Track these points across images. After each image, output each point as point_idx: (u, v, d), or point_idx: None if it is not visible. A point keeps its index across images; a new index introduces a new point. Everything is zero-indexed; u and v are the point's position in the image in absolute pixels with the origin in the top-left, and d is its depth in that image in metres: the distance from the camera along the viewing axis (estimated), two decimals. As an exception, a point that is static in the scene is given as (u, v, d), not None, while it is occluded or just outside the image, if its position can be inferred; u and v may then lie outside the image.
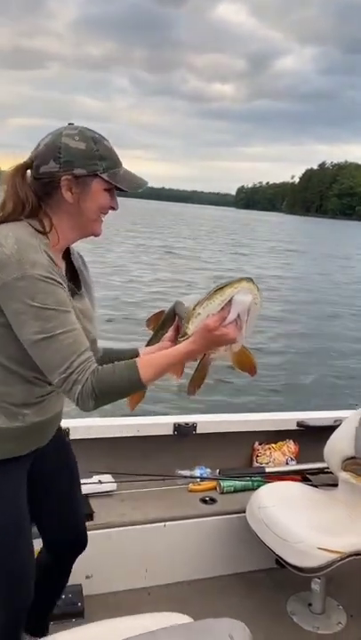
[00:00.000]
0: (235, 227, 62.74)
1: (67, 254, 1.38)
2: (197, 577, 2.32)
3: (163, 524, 2.25)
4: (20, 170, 1.25)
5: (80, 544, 1.72)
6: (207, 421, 2.56)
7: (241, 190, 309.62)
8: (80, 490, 1.76)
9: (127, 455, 2.40)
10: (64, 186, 1.23)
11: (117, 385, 1.19)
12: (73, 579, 2.10)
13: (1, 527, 1.38)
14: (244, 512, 2.25)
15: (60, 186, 1.23)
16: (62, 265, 1.32)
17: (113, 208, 1.31)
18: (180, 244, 29.06)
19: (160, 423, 2.50)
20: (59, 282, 1.18)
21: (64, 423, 2.31)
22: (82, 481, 2.28)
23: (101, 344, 1.51)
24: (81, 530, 1.73)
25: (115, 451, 2.41)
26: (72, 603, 2.07)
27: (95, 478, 2.34)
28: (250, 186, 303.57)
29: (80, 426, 2.37)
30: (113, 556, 2.19)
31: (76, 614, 2.06)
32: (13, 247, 1.15)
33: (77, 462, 2.33)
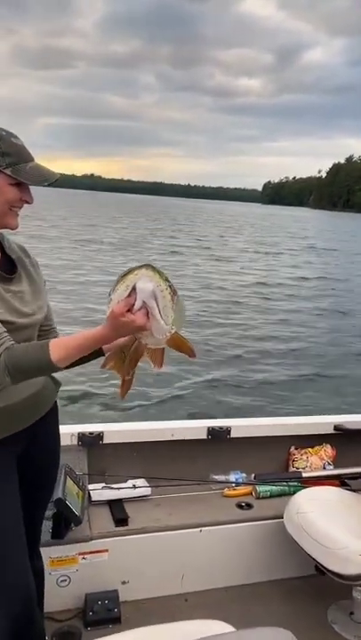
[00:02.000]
0: (265, 224, 62.13)
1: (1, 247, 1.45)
2: (235, 583, 2.29)
3: (198, 529, 2.22)
4: None
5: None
6: (241, 425, 2.52)
7: (267, 186, 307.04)
8: (44, 507, 1.73)
9: (161, 459, 2.38)
10: None
11: (29, 364, 1.23)
12: (109, 584, 2.11)
13: None
14: (282, 517, 2.20)
15: None
16: None
17: (27, 202, 1.36)
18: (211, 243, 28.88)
19: (194, 427, 2.47)
20: None
21: (98, 427, 2.33)
22: (116, 485, 2.30)
23: None
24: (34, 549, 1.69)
25: (149, 455, 2.39)
26: (108, 609, 2.06)
27: (129, 483, 2.32)
28: (276, 181, 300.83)
29: (114, 430, 2.36)
30: (149, 561, 2.17)
31: (113, 620, 2.05)
32: None
33: (112, 466, 2.33)
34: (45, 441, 1.59)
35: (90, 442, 2.28)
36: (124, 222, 41.61)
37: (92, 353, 1.41)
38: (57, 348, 1.22)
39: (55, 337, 1.54)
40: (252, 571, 2.32)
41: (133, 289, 1.11)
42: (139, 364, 1.33)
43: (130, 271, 1.11)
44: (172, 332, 1.18)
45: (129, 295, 1.12)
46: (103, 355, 1.43)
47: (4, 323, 1.31)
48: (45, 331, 1.55)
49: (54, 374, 1.58)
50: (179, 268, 16.54)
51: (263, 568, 2.33)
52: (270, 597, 2.26)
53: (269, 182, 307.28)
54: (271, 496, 2.41)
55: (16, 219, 1.37)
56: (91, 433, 2.28)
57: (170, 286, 1.12)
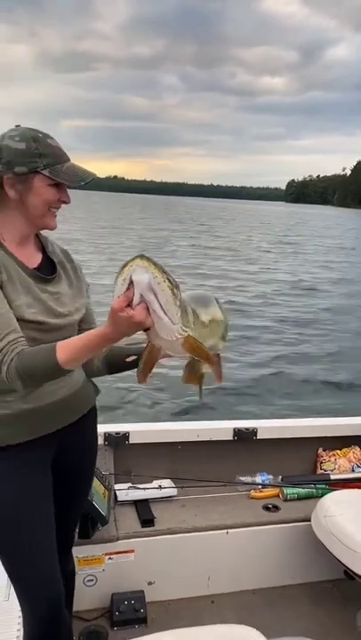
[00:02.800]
0: (290, 222, 61.32)
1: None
2: (262, 586, 2.26)
3: (225, 531, 2.20)
4: None
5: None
6: (268, 427, 2.50)
7: (291, 184, 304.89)
8: (79, 512, 1.76)
9: (187, 460, 2.37)
10: (7, 184, 1.32)
11: (38, 367, 1.23)
12: (135, 585, 2.11)
13: (2, 516, 1.38)
14: (309, 520, 2.17)
15: (4, 184, 1.32)
16: (36, 256, 1.44)
17: (64, 202, 1.39)
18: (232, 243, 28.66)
19: (220, 428, 2.46)
20: None
21: (124, 427, 2.34)
22: (142, 485, 2.30)
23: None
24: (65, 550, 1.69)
25: (174, 455, 2.38)
26: (135, 609, 2.06)
27: (155, 483, 2.32)
28: (300, 179, 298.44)
29: (140, 430, 2.36)
30: (175, 562, 2.16)
31: (139, 621, 2.05)
32: None
33: (138, 467, 2.33)
34: (81, 446, 1.59)
35: (116, 442, 2.28)
36: (148, 223, 41.66)
37: (134, 361, 1.42)
38: (63, 349, 1.21)
39: (72, 329, 1.55)
40: (279, 573, 2.29)
41: (131, 282, 1.05)
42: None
43: (126, 263, 1.05)
44: (184, 333, 1.11)
45: (127, 289, 1.06)
46: None
47: (37, 323, 1.33)
48: None
49: (94, 380, 1.61)
50: (207, 271, 16.50)
51: (291, 571, 2.30)
52: (298, 601, 2.23)
53: (293, 181, 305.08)
54: (299, 498, 2.38)
55: (54, 219, 1.40)
56: (117, 433, 2.29)
57: (168, 279, 1.05)
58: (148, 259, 1.03)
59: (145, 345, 1.22)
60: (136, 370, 1.24)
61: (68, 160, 1.36)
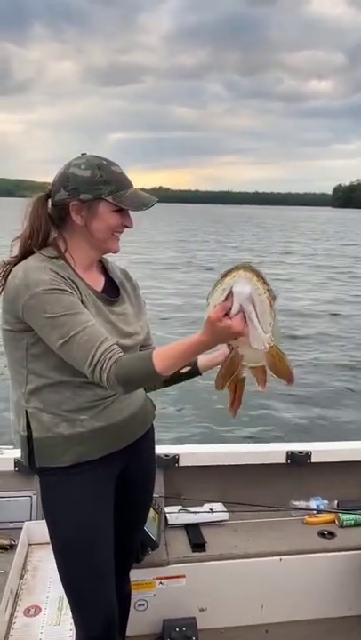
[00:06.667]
0: (340, 229, 59.39)
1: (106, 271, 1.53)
2: (318, 616, 2.18)
3: (278, 557, 2.13)
4: (42, 199, 1.39)
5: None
6: (323, 450, 2.41)
7: (338, 189, 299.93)
8: (139, 529, 1.77)
9: (238, 484, 2.32)
10: (73, 210, 1.36)
11: (136, 375, 1.27)
12: (187, 611, 2.08)
13: (72, 533, 1.40)
14: (368, 549, 2.08)
15: (70, 211, 1.36)
16: (100, 279, 1.48)
17: (127, 226, 1.42)
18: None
19: (272, 451, 2.39)
20: (63, 289, 1.30)
21: (173, 450, 2.31)
22: (193, 509, 2.26)
23: None
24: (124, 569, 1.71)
25: (226, 479, 2.33)
26: (187, 636, 2.02)
27: (206, 507, 2.27)
28: (347, 183, 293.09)
29: (190, 452, 2.33)
30: (227, 588, 2.11)
31: (192, 649, 2.01)
32: (21, 276, 1.31)
33: (188, 490, 2.30)
34: (142, 462, 1.62)
35: (165, 464, 2.25)
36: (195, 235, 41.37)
37: (188, 373, 1.48)
38: (160, 359, 1.25)
39: (146, 344, 1.60)
40: (337, 604, 2.19)
41: (230, 292, 1.06)
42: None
43: (227, 273, 1.06)
44: (272, 343, 1.13)
45: (226, 299, 1.08)
46: (200, 374, 1.52)
47: None
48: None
49: (150, 397, 1.65)
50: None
51: (348, 601, 2.20)
52: (357, 632, 2.13)
53: (340, 185, 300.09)
54: (356, 525, 2.27)
55: (117, 243, 1.44)
56: (166, 455, 2.27)
57: (268, 290, 1.06)
58: (252, 269, 1.05)
59: (227, 353, 1.24)
60: (216, 376, 1.26)
61: (131, 186, 1.40)
